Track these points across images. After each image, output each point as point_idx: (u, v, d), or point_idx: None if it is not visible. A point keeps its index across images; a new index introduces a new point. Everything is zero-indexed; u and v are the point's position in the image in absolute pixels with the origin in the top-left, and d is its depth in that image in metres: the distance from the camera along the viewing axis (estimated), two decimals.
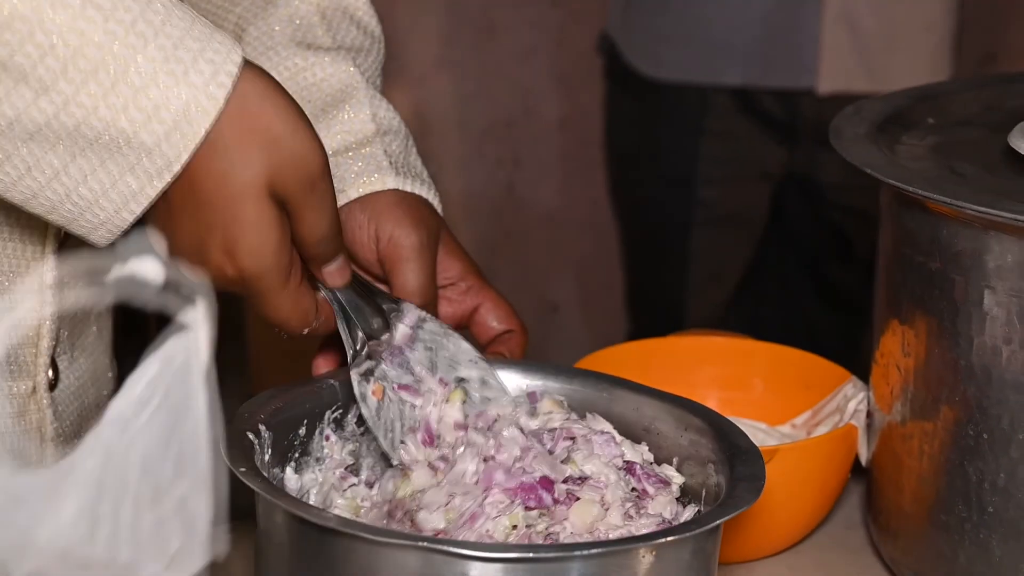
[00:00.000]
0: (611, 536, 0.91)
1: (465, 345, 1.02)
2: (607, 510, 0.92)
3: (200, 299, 0.68)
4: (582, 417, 1.00)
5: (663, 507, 0.94)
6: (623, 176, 2.47)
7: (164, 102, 0.84)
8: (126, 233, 0.88)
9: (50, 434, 1.03)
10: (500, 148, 3.18)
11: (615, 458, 0.96)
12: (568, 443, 0.96)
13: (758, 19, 2.27)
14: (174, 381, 0.66)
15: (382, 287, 1.05)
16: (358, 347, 0.99)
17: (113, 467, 0.63)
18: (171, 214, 0.88)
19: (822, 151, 2.23)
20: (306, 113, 0.90)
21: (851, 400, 1.19)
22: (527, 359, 1.08)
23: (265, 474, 0.91)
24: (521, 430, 0.96)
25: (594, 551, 0.84)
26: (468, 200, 3.14)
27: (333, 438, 0.99)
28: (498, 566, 0.82)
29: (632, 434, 0.99)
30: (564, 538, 0.90)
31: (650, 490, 0.95)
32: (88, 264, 0.68)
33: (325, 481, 0.97)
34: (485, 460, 0.93)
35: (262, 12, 1.12)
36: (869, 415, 1.16)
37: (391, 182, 1.08)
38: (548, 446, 0.96)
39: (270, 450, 0.94)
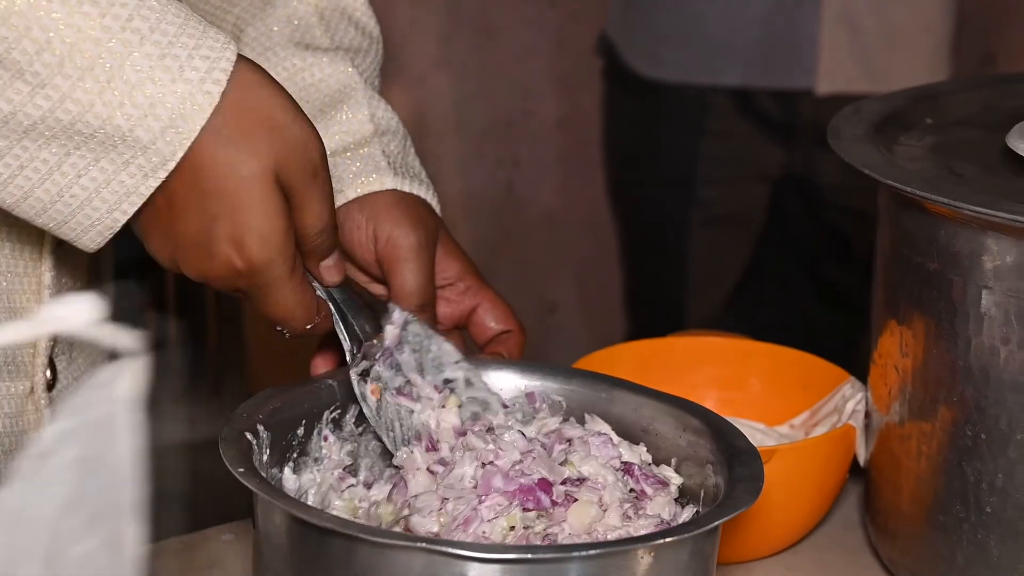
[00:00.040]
0: (609, 537, 0.91)
1: (448, 346, 1.02)
2: (605, 511, 0.92)
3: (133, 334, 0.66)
4: (580, 419, 1.00)
5: (661, 508, 0.94)
6: (622, 176, 2.47)
7: (160, 99, 0.84)
8: (116, 237, 0.88)
9: None
10: (500, 148, 3.18)
11: (612, 459, 0.96)
12: (565, 445, 0.96)
13: (757, 20, 2.27)
14: (102, 410, 0.65)
15: (375, 288, 1.05)
16: (355, 347, 0.99)
17: (32, 501, 0.61)
18: (173, 211, 0.88)
19: (821, 151, 2.22)
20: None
21: (849, 400, 1.19)
22: (525, 359, 1.08)
23: (263, 474, 0.91)
24: (522, 434, 0.96)
25: (592, 552, 0.84)
26: (468, 200, 3.14)
27: (331, 438, 0.99)
28: (496, 567, 0.82)
29: (630, 435, 0.99)
30: (562, 539, 0.90)
31: (648, 491, 0.95)
32: None
33: (323, 481, 0.97)
34: (484, 465, 0.93)
35: (260, 13, 1.12)
36: (867, 415, 1.16)
37: (389, 182, 1.08)
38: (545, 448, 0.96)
39: (268, 450, 0.94)
